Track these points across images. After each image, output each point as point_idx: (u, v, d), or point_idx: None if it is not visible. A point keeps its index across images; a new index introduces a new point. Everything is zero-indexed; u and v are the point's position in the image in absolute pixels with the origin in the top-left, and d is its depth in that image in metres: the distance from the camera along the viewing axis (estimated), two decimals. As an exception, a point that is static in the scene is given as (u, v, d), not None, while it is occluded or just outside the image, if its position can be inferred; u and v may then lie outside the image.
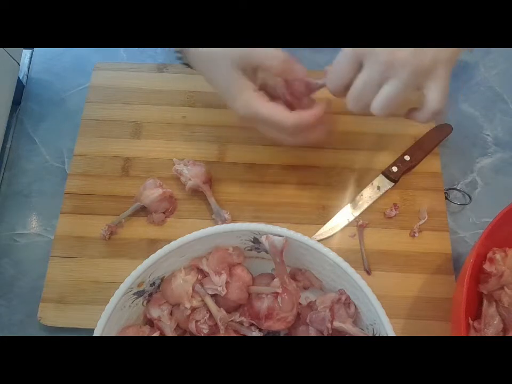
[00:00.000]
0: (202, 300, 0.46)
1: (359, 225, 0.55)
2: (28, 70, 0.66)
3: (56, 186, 0.58)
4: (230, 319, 0.45)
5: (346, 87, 0.45)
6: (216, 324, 0.45)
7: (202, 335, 0.45)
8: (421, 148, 0.59)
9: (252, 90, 0.47)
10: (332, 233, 0.55)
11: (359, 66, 0.43)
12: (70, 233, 0.55)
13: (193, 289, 0.45)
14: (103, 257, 0.54)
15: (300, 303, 0.47)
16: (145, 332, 0.45)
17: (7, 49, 0.58)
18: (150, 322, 0.47)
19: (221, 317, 0.45)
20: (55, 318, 0.51)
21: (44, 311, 0.51)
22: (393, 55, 0.41)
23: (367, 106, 0.44)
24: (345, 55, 0.44)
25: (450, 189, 0.59)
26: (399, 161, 0.58)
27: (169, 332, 0.45)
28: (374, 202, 0.57)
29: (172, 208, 0.56)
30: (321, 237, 0.55)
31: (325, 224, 0.56)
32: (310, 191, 0.57)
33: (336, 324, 0.44)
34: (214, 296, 0.46)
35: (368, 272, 0.53)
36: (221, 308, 0.45)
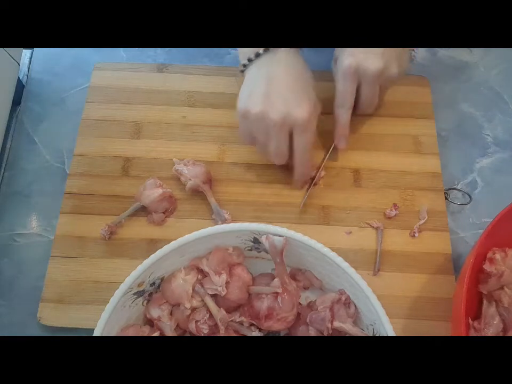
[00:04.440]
0: (202, 300, 0.46)
1: (377, 228, 0.55)
2: (28, 70, 0.66)
3: (56, 186, 0.58)
4: (230, 319, 0.45)
5: None
6: (216, 324, 0.45)
7: (202, 335, 0.45)
8: None
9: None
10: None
11: None
12: (70, 233, 0.54)
13: (193, 289, 0.45)
14: (103, 257, 0.53)
15: (300, 303, 0.47)
16: (145, 332, 0.45)
17: (7, 49, 0.58)
18: (150, 322, 0.47)
19: (221, 317, 0.45)
20: (55, 318, 0.50)
21: (44, 311, 0.51)
22: None
23: None
24: None
25: (450, 189, 0.59)
26: None
27: (169, 332, 0.45)
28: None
29: (172, 208, 0.56)
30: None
31: (325, 224, 0.56)
32: (310, 191, 0.57)
33: (336, 324, 0.44)
34: (214, 296, 0.46)
35: (375, 273, 0.53)
36: (221, 308, 0.45)
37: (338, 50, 0.53)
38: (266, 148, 0.51)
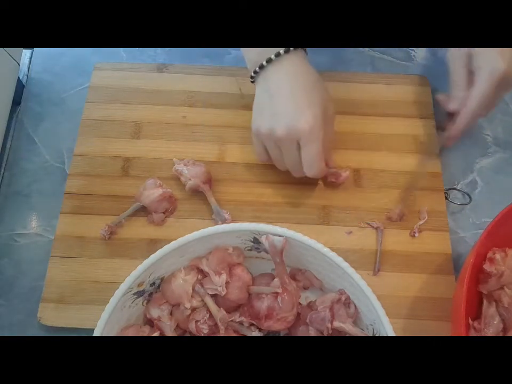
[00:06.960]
0: (202, 300, 0.46)
1: (377, 228, 0.55)
2: (28, 70, 0.66)
3: (56, 186, 0.58)
4: (230, 319, 0.46)
5: None
6: (216, 324, 0.45)
7: (202, 335, 0.45)
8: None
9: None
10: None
11: None
12: (70, 233, 0.54)
13: (193, 289, 0.45)
14: (103, 257, 0.54)
15: (300, 303, 0.47)
16: (145, 332, 0.45)
17: (7, 49, 0.58)
18: (150, 322, 0.47)
19: (221, 317, 0.45)
20: (55, 318, 0.51)
21: (44, 311, 0.51)
22: None
23: None
24: None
25: (450, 189, 0.59)
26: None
27: (169, 332, 0.45)
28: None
29: (172, 208, 0.56)
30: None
31: (325, 224, 0.56)
32: (310, 191, 0.57)
33: (336, 324, 0.44)
34: (214, 296, 0.46)
35: (375, 273, 0.53)
36: (221, 308, 0.45)
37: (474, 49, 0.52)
38: (282, 162, 0.53)
